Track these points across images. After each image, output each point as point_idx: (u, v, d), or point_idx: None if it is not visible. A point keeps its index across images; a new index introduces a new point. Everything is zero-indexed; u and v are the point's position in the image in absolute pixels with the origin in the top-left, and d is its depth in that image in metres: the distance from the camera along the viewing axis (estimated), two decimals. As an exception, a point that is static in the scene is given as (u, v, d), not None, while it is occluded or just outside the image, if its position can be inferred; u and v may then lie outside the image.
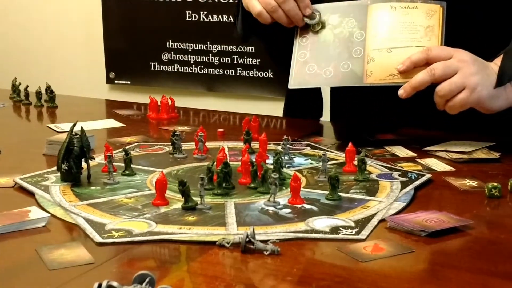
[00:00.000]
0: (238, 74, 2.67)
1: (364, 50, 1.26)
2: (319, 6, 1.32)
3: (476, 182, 1.05)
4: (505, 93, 1.18)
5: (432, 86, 1.19)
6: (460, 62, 1.17)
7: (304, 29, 1.32)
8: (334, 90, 1.57)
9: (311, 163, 1.16)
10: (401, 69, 1.21)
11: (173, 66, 2.78)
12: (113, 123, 1.53)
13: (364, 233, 0.83)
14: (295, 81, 1.29)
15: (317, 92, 1.58)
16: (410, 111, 1.35)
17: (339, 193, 0.97)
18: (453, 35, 1.23)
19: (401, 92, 1.20)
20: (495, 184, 0.98)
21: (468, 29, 1.29)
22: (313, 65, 1.29)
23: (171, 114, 1.58)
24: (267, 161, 1.13)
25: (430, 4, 1.26)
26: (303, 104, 1.59)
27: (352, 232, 0.83)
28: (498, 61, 1.19)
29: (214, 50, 2.69)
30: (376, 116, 1.47)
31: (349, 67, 1.26)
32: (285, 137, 1.19)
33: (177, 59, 2.76)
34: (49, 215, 0.89)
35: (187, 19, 2.71)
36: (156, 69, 2.80)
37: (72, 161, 1.02)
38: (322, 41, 1.30)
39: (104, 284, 0.61)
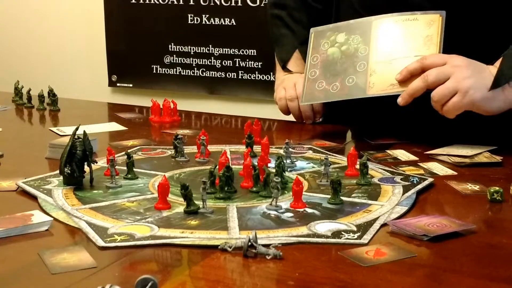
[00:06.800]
0: (240, 77, 2.67)
1: (367, 64, 1.32)
2: (329, 26, 1.41)
3: (478, 186, 1.05)
4: (503, 94, 1.19)
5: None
6: (453, 67, 1.19)
7: (315, 49, 1.40)
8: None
9: (313, 167, 1.16)
10: (398, 78, 1.26)
11: (175, 69, 2.78)
12: (115, 127, 1.53)
13: (366, 238, 0.83)
14: (306, 98, 1.39)
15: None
16: (411, 116, 1.35)
17: (341, 197, 0.97)
18: (453, 42, 1.25)
19: (399, 100, 1.25)
20: (497, 188, 0.98)
21: (469, 35, 1.30)
22: (322, 82, 1.36)
23: (173, 117, 1.58)
24: (269, 164, 1.13)
25: (430, 14, 1.29)
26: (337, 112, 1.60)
27: (354, 236, 0.83)
28: (497, 63, 1.21)
29: (216, 53, 2.70)
30: (378, 120, 1.47)
31: (354, 81, 1.32)
32: (287, 140, 1.20)
33: (179, 62, 2.77)
34: (52, 219, 0.89)
35: (189, 22, 2.71)
36: (158, 72, 2.81)
37: (74, 164, 1.02)
38: (331, 58, 1.37)
39: (106, 288, 0.61)
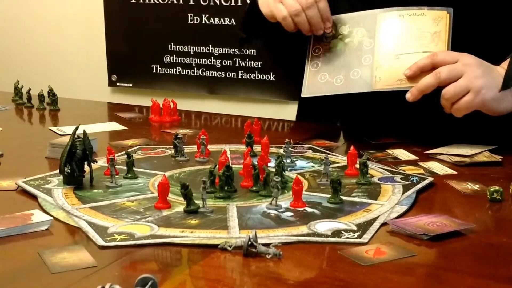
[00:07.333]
0: (240, 76, 2.67)
1: (373, 57, 1.29)
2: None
3: (478, 186, 1.05)
4: (511, 95, 1.18)
5: (436, 91, 1.19)
6: (465, 66, 1.18)
7: (316, 40, 1.36)
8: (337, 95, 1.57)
9: (313, 166, 1.16)
10: (408, 74, 1.23)
11: (175, 69, 2.78)
12: (115, 126, 1.53)
13: (366, 237, 0.83)
14: (308, 90, 1.34)
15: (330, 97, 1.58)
16: (412, 113, 1.35)
17: (341, 197, 0.97)
18: (460, 40, 1.24)
19: (408, 96, 1.23)
20: (496, 187, 0.98)
21: (476, 34, 1.30)
22: (325, 74, 1.33)
23: (173, 117, 1.58)
24: (269, 164, 1.13)
25: (437, 10, 1.28)
26: (316, 108, 1.59)
27: (354, 235, 0.83)
28: (505, 64, 1.20)
29: (216, 53, 2.69)
30: (378, 119, 1.47)
31: (358, 74, 1.30)
32: (287, 140, 1.20)
33: (179, 61, 2.76)
34: (52, 218, 0.89)
35: (189, 22, 2.71)
36: (158, 71, 2.81)
37: (74, 164, 1.02)
38: (334, 50, 1.34)
39: (106, 287, 0.61)
